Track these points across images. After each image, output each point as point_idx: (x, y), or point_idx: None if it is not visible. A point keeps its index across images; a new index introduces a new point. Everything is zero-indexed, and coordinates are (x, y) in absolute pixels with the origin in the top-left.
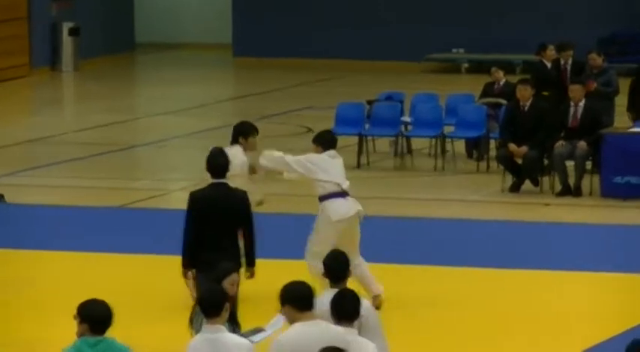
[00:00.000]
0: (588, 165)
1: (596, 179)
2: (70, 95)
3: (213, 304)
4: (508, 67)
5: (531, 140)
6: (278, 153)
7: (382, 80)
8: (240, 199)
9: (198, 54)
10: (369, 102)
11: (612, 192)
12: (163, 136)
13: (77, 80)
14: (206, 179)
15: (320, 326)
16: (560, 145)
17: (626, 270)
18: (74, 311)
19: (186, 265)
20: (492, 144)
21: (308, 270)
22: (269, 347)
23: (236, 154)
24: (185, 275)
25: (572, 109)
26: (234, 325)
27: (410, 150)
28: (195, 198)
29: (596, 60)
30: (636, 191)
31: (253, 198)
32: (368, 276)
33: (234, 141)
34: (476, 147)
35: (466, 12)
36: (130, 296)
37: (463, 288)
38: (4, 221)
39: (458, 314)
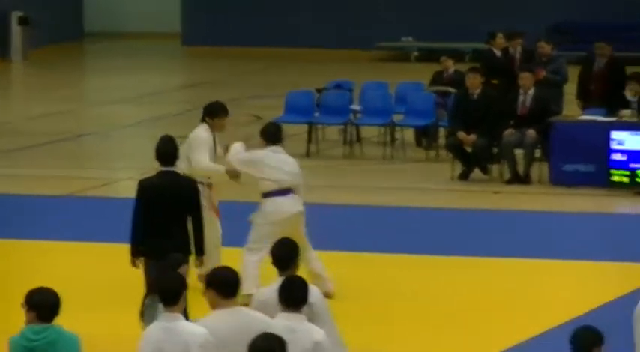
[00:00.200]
0: (537, 153)
1: (545, 167)
2: (18, 84)
3: (172, 292)
4: (457, 56)
5: (480, 128)
6: (236, 150)
7: (332, 68)
8: (188, 187)
9: (148, 43)
10: (319, 91)
11: (561, 179)
12: (112, 125)
13: (26, 69)
14: (156, 167)
15: (239, 313)
16: (509, 133)
17: (574, 257)
18: (22, 300)
19: (135, 253)
20: (442, 132)
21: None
22: None
23: (196, 131)
24: (134, 263)
25: (521, 97)
26: (184, 315)
27: (359, 139)
28: (144, 187)
29: (545, 48)
30: (584, 178)
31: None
32: (320, 274)
33: (203, 119)
34: (425, 136)
35: (416, 0)
36: (78, 284)
37: (411, 276)
38: None
39: (408, 303)
